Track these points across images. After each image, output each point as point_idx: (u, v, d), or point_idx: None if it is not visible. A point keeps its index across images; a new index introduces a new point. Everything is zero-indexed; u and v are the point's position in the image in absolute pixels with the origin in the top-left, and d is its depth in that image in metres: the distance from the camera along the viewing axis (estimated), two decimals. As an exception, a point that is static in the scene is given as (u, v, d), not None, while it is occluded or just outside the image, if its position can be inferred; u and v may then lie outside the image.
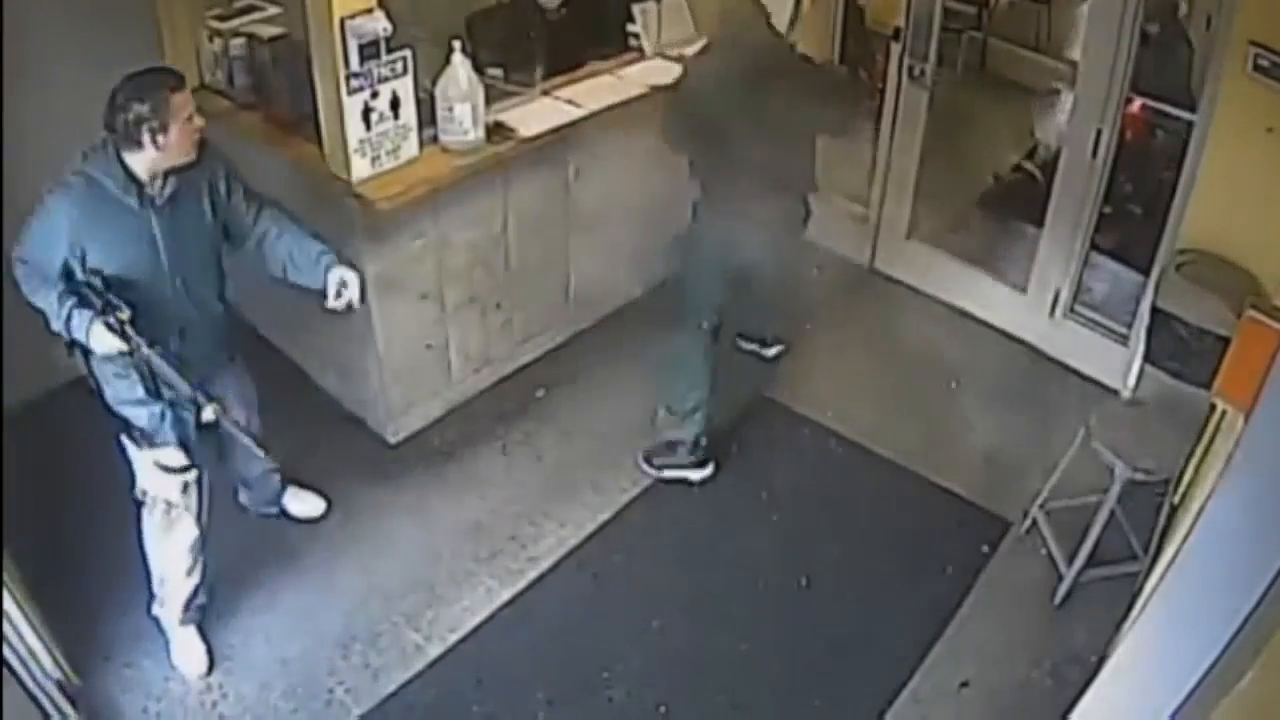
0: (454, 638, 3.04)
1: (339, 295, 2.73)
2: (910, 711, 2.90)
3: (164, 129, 2.38)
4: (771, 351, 4.16)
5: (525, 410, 3.83)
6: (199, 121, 2.48)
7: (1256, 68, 3.01)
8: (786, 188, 3.26)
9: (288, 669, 2.93)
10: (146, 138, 2.38)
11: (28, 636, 2.56)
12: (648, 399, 3.87)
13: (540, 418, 3.81)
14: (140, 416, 2.63)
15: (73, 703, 2.72)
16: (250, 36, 3.50)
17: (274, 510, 3.32)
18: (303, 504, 3.35)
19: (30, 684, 2.51)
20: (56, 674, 2.71)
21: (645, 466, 3.59)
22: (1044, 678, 2.99)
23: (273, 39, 3.48)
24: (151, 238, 2.50)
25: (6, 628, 2.41)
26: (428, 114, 3.31)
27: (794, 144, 3.22)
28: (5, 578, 2.44)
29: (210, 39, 3.53)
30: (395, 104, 3.14)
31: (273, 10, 3.60)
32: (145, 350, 2.45)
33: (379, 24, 2.95)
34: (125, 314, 2.42)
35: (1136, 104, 3.82)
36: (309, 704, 2.86)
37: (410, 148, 3.25)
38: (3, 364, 3.27)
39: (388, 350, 3.46)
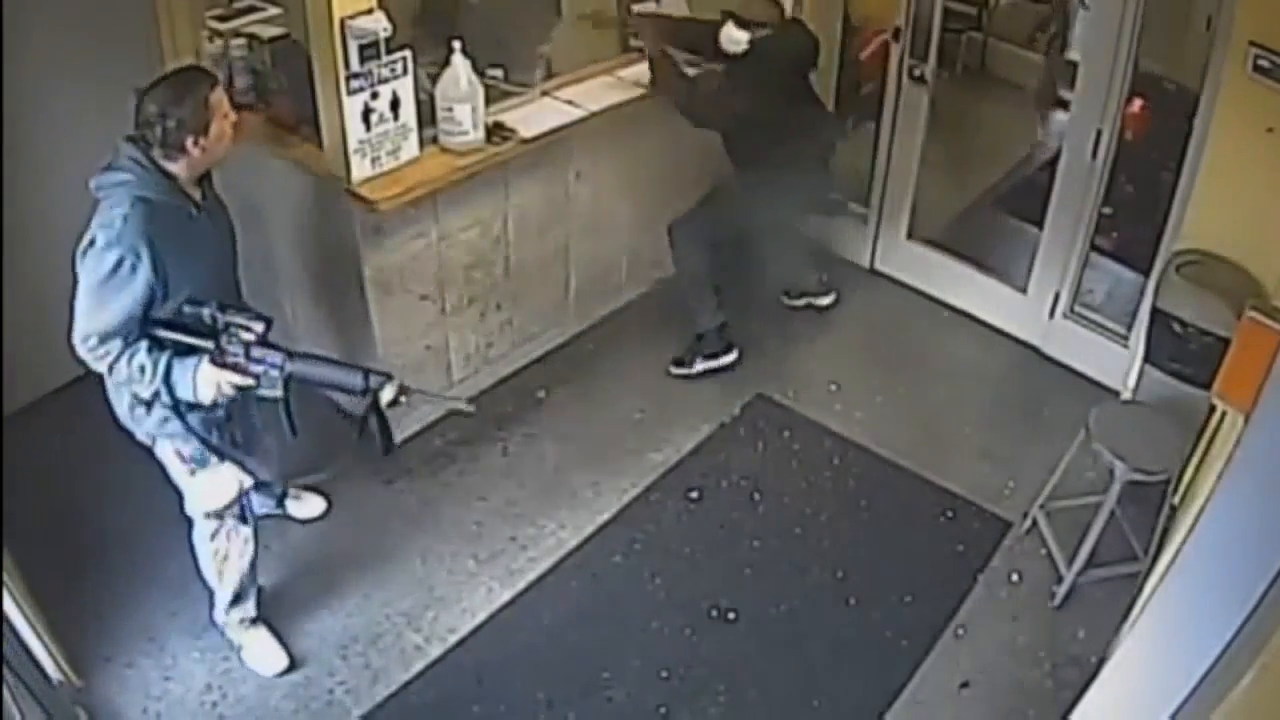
0: (454, 638, 3.04)
1: None
2: (910, 712, 2.90)
3: (205, 130, 2.29)
4: (826, 300, 4.38)
5: (525, 411, 3.83)
6: (233, 115, 2.40)
7: (1256, 68, 3.01)
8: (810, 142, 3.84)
9: (288, 669, 2.93)
10: (189, 142, 2.28)
11: (28, 636, 2.56)
12: (647, 399, 3.88)
13: (540, 419, 3.81)
14: (196, 443, 2.50)
15: (73, 703, 2.73)
16: (250, 37, 3.49)
17: (276, 511, 3.31)
18: (303, 505, 3.35)
19: (31, 684, 2.50)
20: (57, 674, 2.71)
21: (677, 370, 4.01)
22: (1044, 678, 2.99)
23: (273, 39, 3.48)
24: (208, 244, 2.42)
25: (6, 628, 2.41)
26: (428, 114, 3.31)
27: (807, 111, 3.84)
28: (5, 578, 2.43)
29: (210, 39, 3.52)
30: (395, 104, 3.14)
31: (273, 10, 3.60)
32: (287, 366, 2.26)
33: (379, 24, 2.95)
34: (258, 328, 2.25)
35: (1136, 104, 3.82)
36: (309, 704, 2.85)
37: (410, 148, 3.24)
38: (2, 364, 3.27)
39: (388, 351, 3.46)
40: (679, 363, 4.03)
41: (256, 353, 2.28)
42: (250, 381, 2.28)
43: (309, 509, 3.35)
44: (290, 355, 2.28)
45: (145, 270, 2.22)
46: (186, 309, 2.28)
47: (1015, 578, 3.28)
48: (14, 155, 3.23)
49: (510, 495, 3.49)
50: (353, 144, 3.08)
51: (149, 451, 2.60)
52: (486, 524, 3.39)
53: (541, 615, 3.13)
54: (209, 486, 2.59)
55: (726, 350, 4.03)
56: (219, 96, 2.34)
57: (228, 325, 2.27)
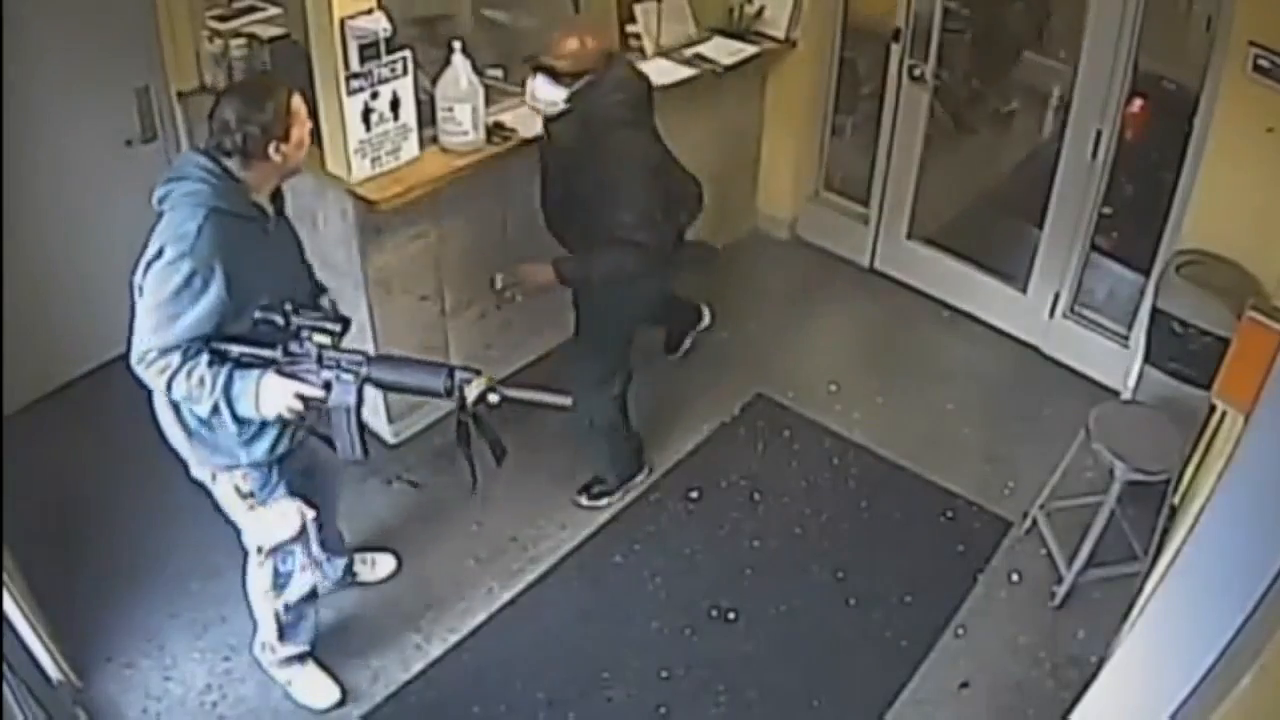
0: (454, 638, 3.04)
1: None
2: (910, 712, 2.90)
3: (286, 136, 2.17)
4: (704, 323, 4.04)
5: (525, 411, 3.81)
6: (309, 123, 2.27)
7: (1256, 68, 3.01)
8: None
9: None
10: (271, 148, 2.16)
11: (28, 636, 2.56)
12: (648, 400, 3.87)
13: (540, 418, 3.78)
14: (257, 476, 2.39)
15: (73, 703, 2.73)
16: (250, 37, 3.49)
17: (344, 580, 3.10)
18: (372, 567, 3.17)
19: (31, 684, 2.51)
20: (57, 674, 2.71)
21: (590, 502, 3.41)
22: (1044, 678, 2.99)
23: (273, 39, 3.48)
24: (282, 258, 2.32)
25: (6, 628, 2.41)
26: (428, 114, 3.31)
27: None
28: (5, 578, 2.43)
29: (210, 40, 3.53)
30: (395, 104, 3.14)
31: (273, 10, 3.60)
32: (363, 370, 2.08)
33: (379, 24, 2.95)
34: (334, 328, 2.08)
35: (1136, 104, 3.82)
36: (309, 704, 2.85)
37: (410, 148, 3.24)
38: (2, 364, 3.27)
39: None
40: (592, 494, 3.44)
41: (330, 357, 2.11)
42: (319, 394, 2.11)
43: (379, 570, 3.18)
44: (368, 358, 2.11)
45: (218, 285, 2.08)
46: (258, 314, 2.12)
47: (1015, 578, 3.28)
48: (14, 155, 3.23)
49: (511, 495, 3.48)
50: (353, 144, 3.08)
51: (202, 487, 2.48)
52: (486, 524, 3.39)
53: (541, 615, 3.13)
54: (271, 521, 2.46)
55: (639, 469, 3.49)
56: (299, 102, 2.22)
57: (300, 328, 2.11)
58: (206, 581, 3.09)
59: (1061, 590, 3.17)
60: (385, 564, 3.20)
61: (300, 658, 2.81)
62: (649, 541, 3.37)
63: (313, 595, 2.71)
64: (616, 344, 3.22)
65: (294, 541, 2.53)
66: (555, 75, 2.79)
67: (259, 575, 2.62)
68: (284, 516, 2.47)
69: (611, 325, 3.18)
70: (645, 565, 3.28)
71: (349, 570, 3.12)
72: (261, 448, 2.35)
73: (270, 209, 2.29)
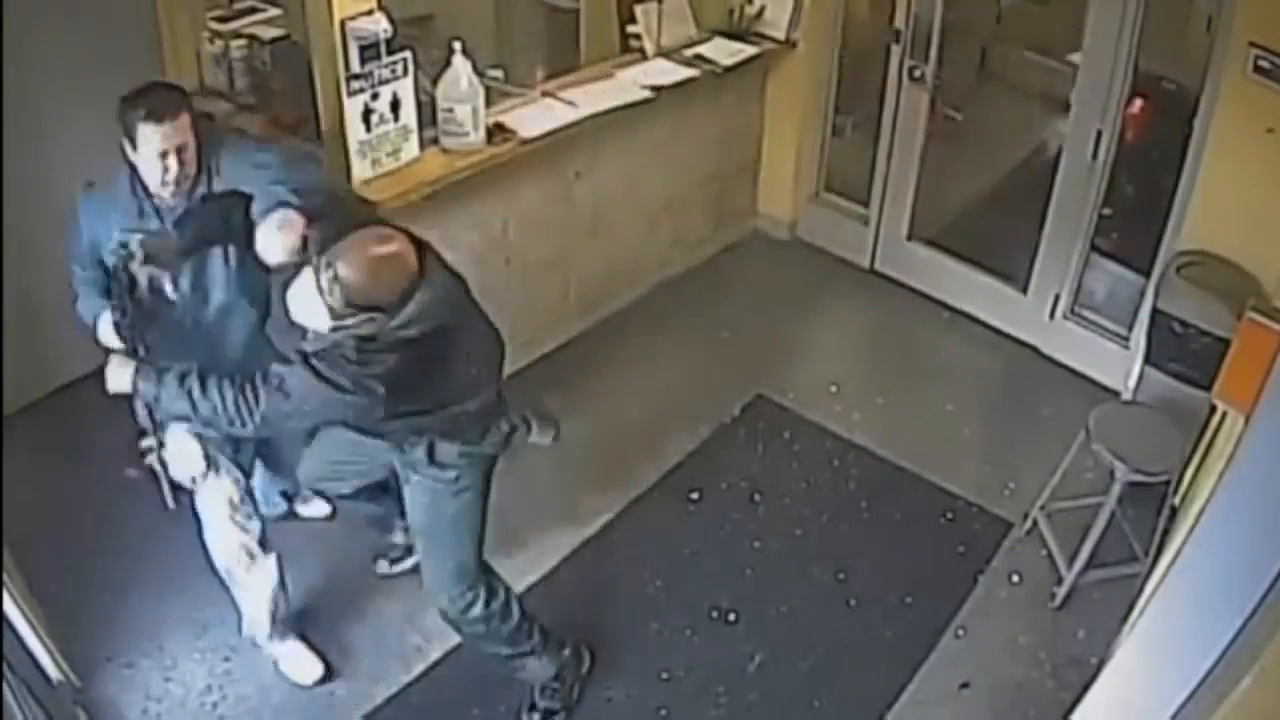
0: (454, 639, 3.03)
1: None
2: (911, 713, 2.90)
3: (134, 147, 2.28)
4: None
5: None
6: (172, 166, 2.26)
7: (1256, 68, 3.01)
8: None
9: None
10: (127, 146, 2.29)
11: (28, 636, 2.56)
12: (650, 401, 3.87)
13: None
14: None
15: (73, 703, 2.73)
16: (251, 38, 3.50)
17: (284, 510, 3.28)
18: (310, 505, 3.33)
19: (31, 684, 2.50)
20: (57, 674, 2.71)
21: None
22: (1044, 678, 2.99)
23: (273, 40, 3.49)
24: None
25: (6, 628, 2.41)
26: (428, 115, 3.31)
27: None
28: (5, 578, 2.43)
29: (211, 41, 3.54)
30: (396, 105, 3.14)
31: (273, 11, 3.61)
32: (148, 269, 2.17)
33: (379, 25, 2.95)
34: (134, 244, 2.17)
35: (1136, 104, 3.82)
36: (309, 705, 2.85)
37: (411, 149, 3.25)
38: (2, 364, 3.27)
39: (388, 351, 3.46)
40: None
41: (135, 268, 2.23)
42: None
43: (315, 509, 3.33)
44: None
45: (82, 234, 2.41)
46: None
47: (1015, 578, 3.28)
48: (14, 155, 3.23)
49: (511, 496, 3.46)
50: (353, 145, 3.09)
51: None
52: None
53: (541, 616, 3.10)
54: (172, 452, 2.41)
55: (566, 703, 2.85)
56: (147, 133, 2.23)
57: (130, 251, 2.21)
58: (207, 582, 3.07)
59: (1062, 591, 3.17)
60: (321, 504, 3.29)
61: (281, 633, 2.89)
62: (649, 541, 3.37)
63: (281, 580, 2.81)
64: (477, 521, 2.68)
65: (248, 543, 2.69)
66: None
67: (221, 541, 2.70)
68: (183, 452, 2.53)
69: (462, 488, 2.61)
70: (645, 565, 3.28)
71: (290, 513, 3.29)
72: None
73: (166, 192, 2.32)
